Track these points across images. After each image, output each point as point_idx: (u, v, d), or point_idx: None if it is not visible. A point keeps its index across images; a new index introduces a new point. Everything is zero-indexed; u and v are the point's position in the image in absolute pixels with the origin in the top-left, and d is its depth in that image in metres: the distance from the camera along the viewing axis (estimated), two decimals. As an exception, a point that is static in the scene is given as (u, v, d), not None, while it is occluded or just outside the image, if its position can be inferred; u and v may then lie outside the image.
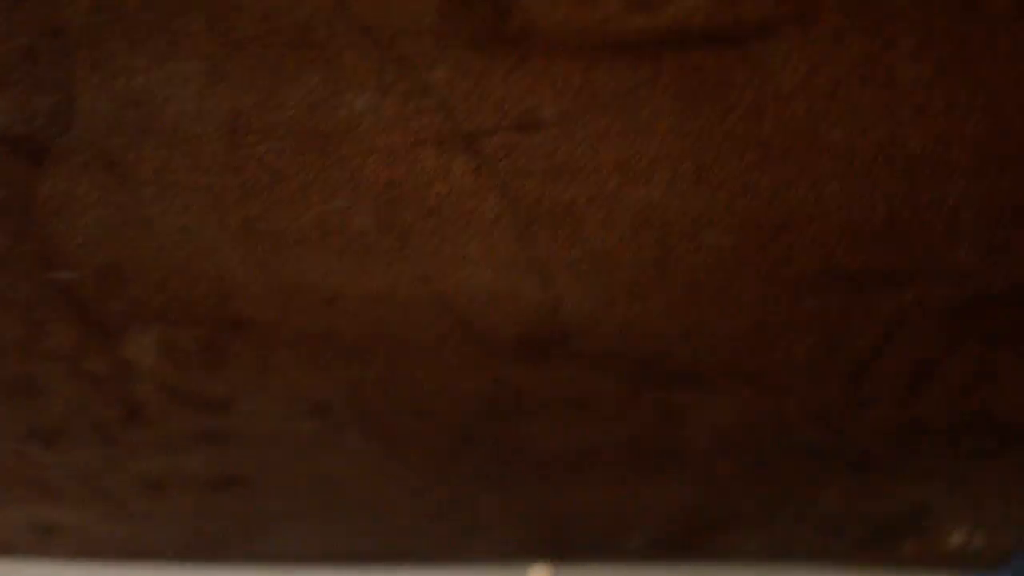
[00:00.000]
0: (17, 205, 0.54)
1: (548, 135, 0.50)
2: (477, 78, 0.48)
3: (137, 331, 0.61)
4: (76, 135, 0.51)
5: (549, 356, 0.62)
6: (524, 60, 0.47)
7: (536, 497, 0.72)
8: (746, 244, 0.56)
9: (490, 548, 0.77)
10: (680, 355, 0.62)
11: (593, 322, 0.60)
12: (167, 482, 0.73)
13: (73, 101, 0.50)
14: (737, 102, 0.49)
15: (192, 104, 0.50)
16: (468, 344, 0.61)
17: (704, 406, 0.66)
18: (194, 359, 0.63)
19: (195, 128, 0.51)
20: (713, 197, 0.53)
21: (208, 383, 0.65)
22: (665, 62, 0.47)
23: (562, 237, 0.55)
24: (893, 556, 0.76)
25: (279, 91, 0.49)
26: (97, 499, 0.72)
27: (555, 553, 0.77)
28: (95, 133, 0.51)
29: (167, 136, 0.52)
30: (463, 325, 0.60)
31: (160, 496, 0.72)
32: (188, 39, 0.48)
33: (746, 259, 0.57)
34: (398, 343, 0.62)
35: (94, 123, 0.50)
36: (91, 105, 0.50)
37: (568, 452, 0.69)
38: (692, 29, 0.47)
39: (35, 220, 0.54)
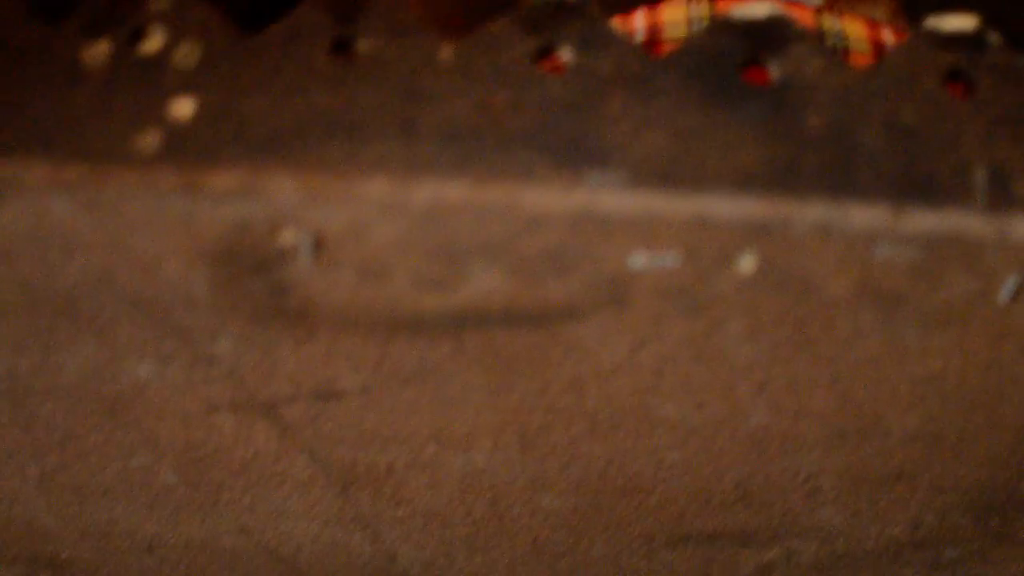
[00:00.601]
0: None
1: (352, 405, 0.43)
2: (264, 351, 0.41)
3: (-45, 566, 0.54)
4: None
5: (392, 601, 0.54)
6: (312, 335, 0.40)
7: None
8: (587, 506, 0.48)
9: None
10: (535, 600, 0.54)
11: (435, 572, 0.52)
12: None
13: None
14: (554, 378, 0.41)
15: (-35, 363, 0.43)
16: (305, 587, 0.54)
17: (569, 644, 0.58)
18: (19, 593, 0.56)
19: (-27, 386, 0.44)
20: (543, 464, 0.46)
21: (39, 613, 0.57)
22: (467, 340, 0.40)
23: (385, 497, 0.48)
24: None
25: (54, 357, 0.42)
26: None
27: None
28: None
29: (-55, 392, 0.44)
30: (297, 572, 0.52)
31: None
32: (-53, 303, 0.40)
33: (590, 519, 0.49)
34: (231, 585, 0.54)
35: None
36: None
37: None
38: (492, 310, 0.39)
39: None
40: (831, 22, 0.52)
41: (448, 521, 0.49)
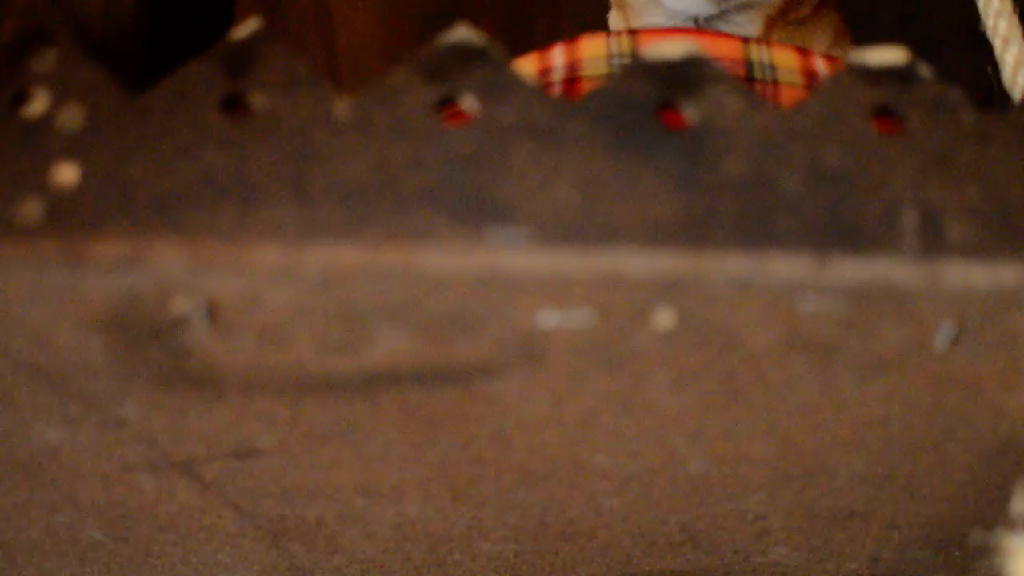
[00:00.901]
0: None
1: (271, 462, 0.42)
2: (173, 414, 0.40)
3: None
4: None
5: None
6: (220, 398, 0.39)
7: None
8: (530, 551, 0.47)
9: None
10: (489, 637, 0.53)
11: (382, 614, 0.51)
12: None
13: None
14: (477, 432, 0.40)
15: None
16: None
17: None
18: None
19: None
20: (478, 513, 0.44)
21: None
22: (382, 399, 0.39)
23: (319, 547, 0.47)
24: None
25: (-40, 422, 0.41)
26: None
27: None
28: None
29: None
30: (241, 616, 0.52)
31: None
32: None
33: (534, 563, 0.48)
34: (177, 629, 0.53)
35: None
36: None
37: None
38: (403, 370, 0.38)
39: None
40: (759, 53, 0.50)
41: (388, 568, 0.48)
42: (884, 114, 0.37)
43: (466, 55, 0.37)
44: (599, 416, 0.40)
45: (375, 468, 0.42)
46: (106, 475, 0.43)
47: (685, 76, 0.37)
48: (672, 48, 0.37)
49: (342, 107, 0.36)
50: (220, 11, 0.56)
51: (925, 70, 0.37)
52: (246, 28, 0.38)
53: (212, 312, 0.36)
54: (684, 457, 0.42)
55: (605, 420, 0.40)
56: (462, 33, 0.37)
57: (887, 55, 0.37)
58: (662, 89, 0.37)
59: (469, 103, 0.36)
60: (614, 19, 0.77)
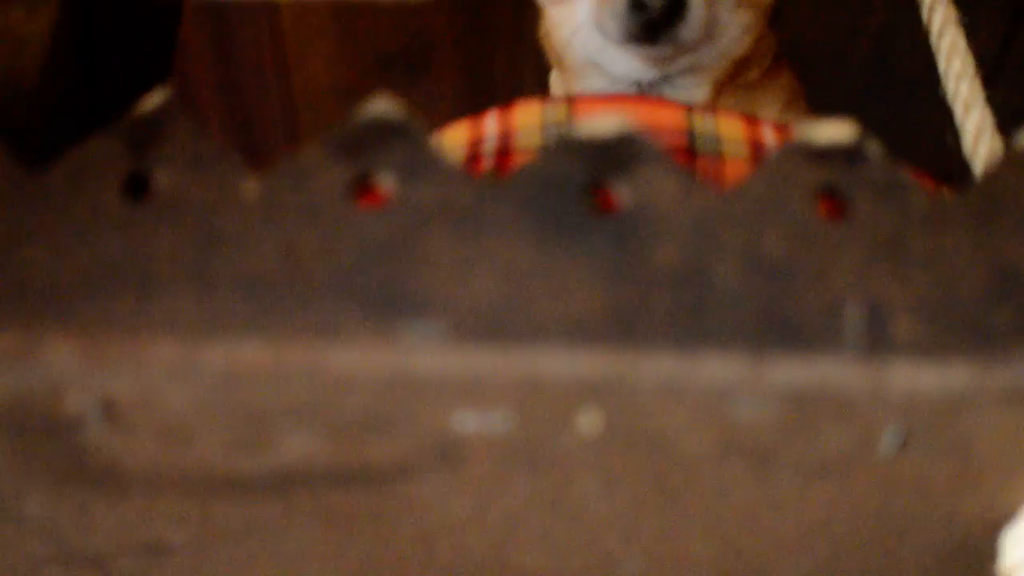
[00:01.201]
0: None
1: (185, 558, 0.39)
2: (77, 510, 0.37)
3: None
4: None
5: None
6: (125, 495, 0.36)
7: None
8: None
9: None
10: None
11: None
12: None
13: None
14: (397, 532, 0.37)
15: None
16: None
17: None
18: None
19: None
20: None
21: None
22: (295, 498, 0.36)
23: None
24: None
25: None
26: None
27: None
28: None
29: None
30: None
31: None
32: None
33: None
34: None
35: None
36: None
37: None
38: (315, 470, 0.35)
39: None
40: (703, 123, 0.47)
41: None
42: (830, 195, 0.34)
43: (383, 131, 0.34)
44: (525, 518, 0.37)
45: (294, 565, 0.39)
46: (14, 568, 0.40)
47: (618, 155, 0.34)
48: (605, 124, 0.34)
49: (250, 188, 0.34)
50: (156, 67, 0.54)
51: (874, 148, 0.35)
52: (152, 100, 0.35)
53: (108, 410, 0.33)
54: (618, 558, 0.39)
55: (532, 522, 0.37)
56: (380, 107, 0.35)
57: (833, 132, 0.35)
58: (593, 169, 0.34)
59: (385, 183, 0.34)
60: (555, 80, 0.74)
